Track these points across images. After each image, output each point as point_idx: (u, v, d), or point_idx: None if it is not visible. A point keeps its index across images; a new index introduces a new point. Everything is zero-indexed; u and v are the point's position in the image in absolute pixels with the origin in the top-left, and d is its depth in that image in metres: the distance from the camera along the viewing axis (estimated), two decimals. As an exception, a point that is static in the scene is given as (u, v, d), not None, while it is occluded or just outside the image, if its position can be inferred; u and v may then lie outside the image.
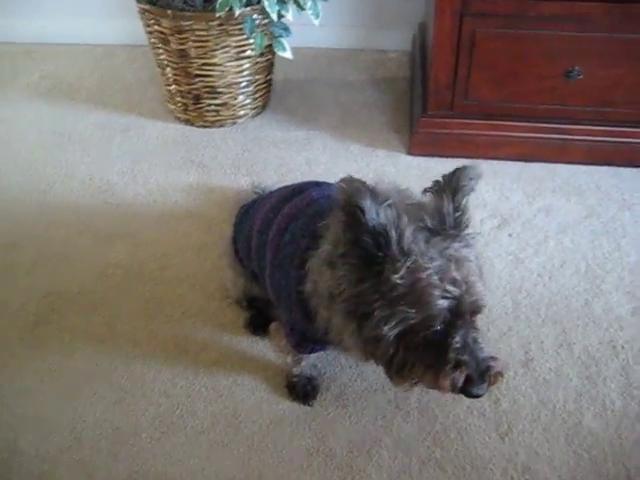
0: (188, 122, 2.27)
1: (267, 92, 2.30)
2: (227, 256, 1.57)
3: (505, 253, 1.78)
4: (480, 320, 1.04)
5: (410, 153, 2.12)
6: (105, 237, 1.87)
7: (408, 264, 0.93)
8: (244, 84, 2.16)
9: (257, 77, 2.18)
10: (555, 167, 2.08)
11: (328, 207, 1.16)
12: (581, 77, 1.93)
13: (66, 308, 1.66)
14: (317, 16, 1.88)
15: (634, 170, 2.06)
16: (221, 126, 2.26)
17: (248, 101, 2.22)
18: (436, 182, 1.04)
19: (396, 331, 0.95)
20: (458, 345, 0.96)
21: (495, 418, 1.38)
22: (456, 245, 0.98)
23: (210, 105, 2.18)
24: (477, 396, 1.00)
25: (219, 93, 2.15)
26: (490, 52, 1.93)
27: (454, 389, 0.99)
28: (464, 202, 1.01)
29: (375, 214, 0.91)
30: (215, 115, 2.22)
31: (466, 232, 1.03)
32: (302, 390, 1.44)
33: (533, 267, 1.74)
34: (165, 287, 1.71)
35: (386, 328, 0.96)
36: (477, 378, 0.98)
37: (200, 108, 2.19)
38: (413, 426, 1.37)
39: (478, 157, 2.08)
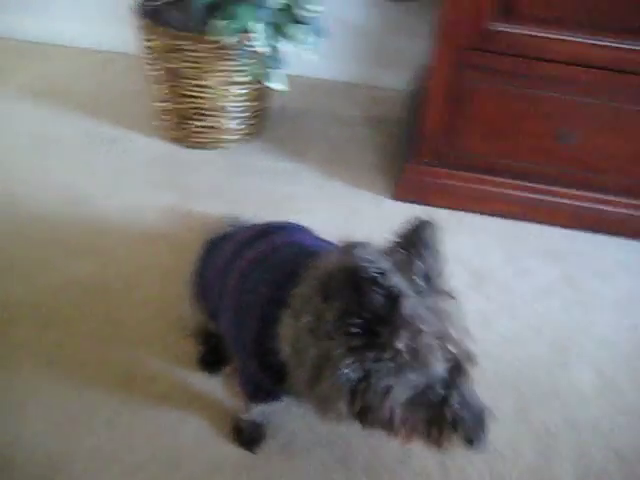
0: (175, 141, 2.24)
1: (258, 119, 2.27)
2: (190, 288, 1.53)
3: (476, 313, 1.75)
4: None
5: (394, 198, 2.09)
6: (72, 251, 1.83)
7: (410, 329, 0.89)
8: (235, 109, 2.13)
9: (249, 104, 2.15)
10: (539, 228, 2.06)
11: (292, 255, 1.13)
12: (575, 142, 1.91)
13: (19, 322, 1.61)
14: (316, 51, 1.85)
15: (619, 240, 2.03)
16: (207, 149, 2.22)
17: (237, 127, 2.20)
18: (397, 240, 1.00)
19: (403, 398, 0.91)
20: (457, 403, 0.93)
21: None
22: (443, 302, 0.96)
23: (197, 127, 2.15)
24: (478, 448, 0.95)
25: (207, 116, 2.12)
26: (485, 107, 1.91)
27: (454, 444, 0.96)
28: (437, 257, 0.98)
29: (392, 280, 0.86)
30: (202, 137, 2.19)
31: (445, 285, 1.00)
32: (249, 436, 1.40)
33: (502, 331, 1.71)
34: (126, 310, 1.66)
35: (392, 397, 0.91)
36: (477, 431, 0.94)
37: (186, 129, 2.16)
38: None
39: (462, 209, 2.07)
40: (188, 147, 2.24)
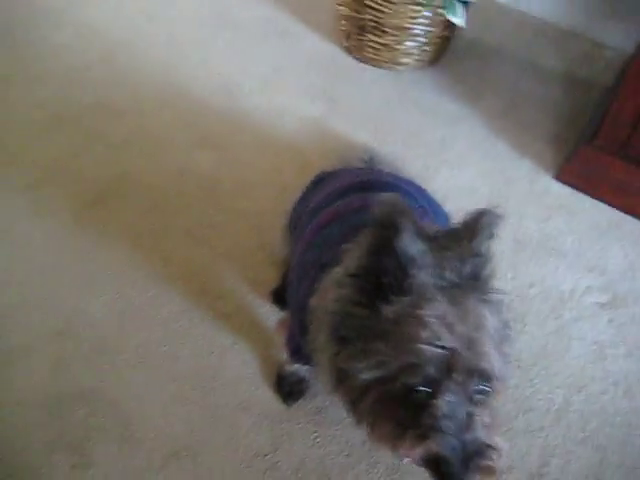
0: (347, 50, 2.10)
1: (439, 48, 2.05)
2: (286, 218, 1.46)
3: (591, 340, 1.50)
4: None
5: (556, 178, 1.81)
6: (200, 139, 1.82)
7: (407, 299, 0.78)
8: (416, 31, 1.93)
9: (432, 29, 1.94)
10: None
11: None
12: None
13: (127, 198, 1.65)
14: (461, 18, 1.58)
15: None
16: (376, 66, 2.05)
17: (414, 51, 2.00)
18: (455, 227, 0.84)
19: (368, 375, 0.80)
20: (441, 410, 0.76)
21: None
22: (471, 297, 0.79)
23: (373, 41, 1.98)
24: None
25: (386, 33, 1.94)
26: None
27: (425, 464, 0.79)
28: (484, 248, 0.81)
29: (409, 242, 0.76)
30: (374, 53, 2.02)
31: (487, 285, 0.83)
32: (288, 388, 1.35)
33: (613, 370, 1.46)
34: (226, 216, 1.64)
35: (359, 366, 0.80)
36: (458, 463, 0.76)
37: (361, 41, 2.01)
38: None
39: (631, 213, 1.74)
40: (358, 60, 2.09)
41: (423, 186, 1.30)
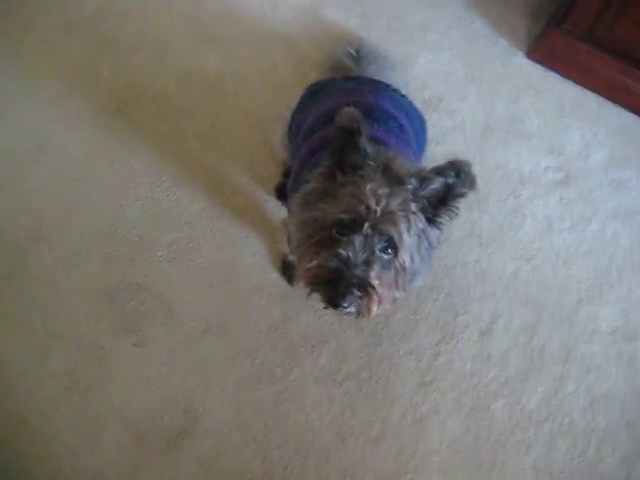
0: None
1: None
2: (285, 121, 1.69)
3: (542, 216, 1.82)
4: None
5: (528, 56, 2.00)
6: (206, 36, 2.00)
7: (357, 174, 1.12)
8: None
9: None
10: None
11: None
12: None
13: (144, 104, 1.88)
14: None
15: None
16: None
17: None
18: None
19: (314, 217, 1.14)
20: (345, 245, 1.08)
21: (425, 369, 1.63)
22: (406, 195, 1.10)
23: None
24: (338, 305, 1.09)
25: None
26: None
27: (319, 286, 1.13)
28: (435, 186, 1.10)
29: (367, 140, 1.10)
30: None
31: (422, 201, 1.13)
32: (291, 272, 1.70)
33: (557, 243, 1.80)
34: (231, 115, 1.87)
35: (311, 214, 1.15)
36: (341, 285, 1.08)
37: None
38: (359, 342, 1.64)
39: (593, 91, 1.97)
40: None
41: (406, 98, 1.54)
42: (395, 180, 1.10)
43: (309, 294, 1.18)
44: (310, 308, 1.67)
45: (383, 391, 1.60)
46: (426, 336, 1.66)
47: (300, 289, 1.64)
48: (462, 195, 1.10)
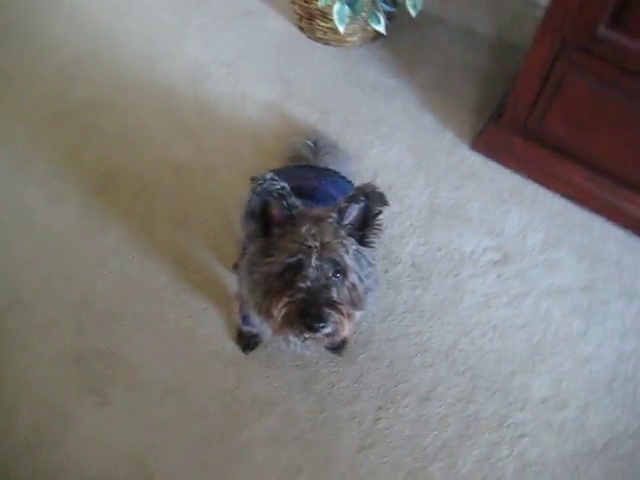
0: (300, 29, 2.43)
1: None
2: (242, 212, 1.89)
3: (480, 293, 1.99)
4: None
5: (471, 148, 2.22)
6: (175, 128, 2.24)
7: (288, 224, 1.31)
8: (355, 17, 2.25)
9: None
10: (595, 221, 2.12)
11: None
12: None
13: (121, 186, 2.11)
14: (415, 9, 1.92)
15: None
16: (327, 45, 2.41)
17: (357, 32, 2.33)
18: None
19: (267, 270, 1.31)
20: (303, 278, 1.25)
21: (366, 433, 1.76)
22: (333, 228, 1.30)
23: (320, 25, 2.33)
24: (317, 328, 1.24)
25: (329, 19, 2.27)
26: (574, 98, 1.92)
27: (291, 320, 1.27)
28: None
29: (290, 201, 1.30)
30: (323, 34, 2.37)
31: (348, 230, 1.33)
32: (246, 340, 1.86)
33: (494, 317, 1.95)
34: (199, 199, 2.09)
35: (262, 269, 1.32)
36: (314, 309, 1.24)
37: (311, 24, 2.35)
38: (305, 407, 1.78)
39: (530, 179, 2.17)
40: (311, 39, 2.44)
41: (352, 183, 1.74)
42: (320, 220, 1.30)
43: (286, 339, 1.38)
44: (262, 374, 1.82)
45: (325, 453, 1.73)
46: (368, 402, 1.80)
47: (252, 357, 1.82)
48: (377, 213, 1.32)
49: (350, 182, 1.81)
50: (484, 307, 1.96)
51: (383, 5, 2.00)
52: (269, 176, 1.28)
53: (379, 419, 1.79)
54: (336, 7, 1.89)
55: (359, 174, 2.12)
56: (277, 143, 2.17)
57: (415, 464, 1.74)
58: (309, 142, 2.06)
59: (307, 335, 1.30)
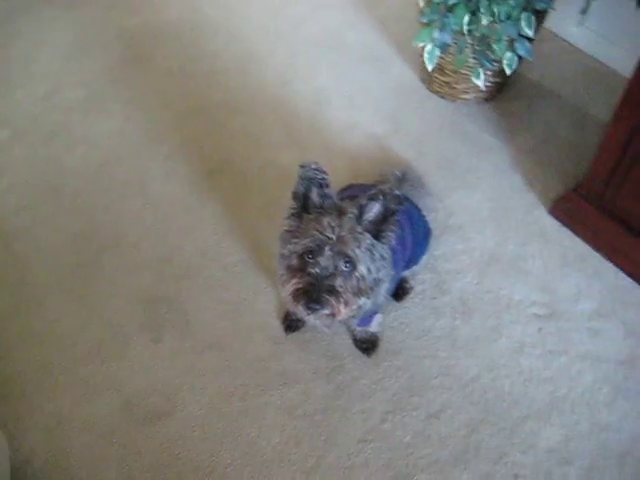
0: (422, 80, 2.75)
1: (493, 90, 2.62)
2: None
3: (517, 339, 2.11)
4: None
5: (549, 212, 2.39)
6: (290, 140, 2.61)
7: (317, 212, 1.57)
8: (469, 77, 2.53)
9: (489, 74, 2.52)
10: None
11: None
12: None
13: (228, 176, 2.51)
14: (510, 68, 2.18)
15: None
16: (442, 98, 2.70)
17: (470, 90, 2.60)
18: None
19: (291, 249, 1.57)
20: (314, 265, 1.52)
21: (369, 429, 1.94)
22: (352, 224, 1.54)
23: (437, 78, 2.63)
24: (315, 308, 1.50)
25: (446, 73, 2.57)
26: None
27: (297, 297, 1.54)
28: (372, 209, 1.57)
29: (326, 188, 1.58)
30: (439, 87, 2.66)
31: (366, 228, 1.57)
32: (289, 321, 2.13)
33: (523, 364, 2.07)
34: (288, 199, 2.42)
35: (289, 247, 1.59)
36: (316, 290, 1.49)
37: (430, 76, 2.65)
38: (323, 391, 2.01)
39: (598, 250, 2.29)
40: (429, 90, 2.75)
41: (419, 211, 2.05)
42: (342, 213, 1.55)
43: (293, 308, 1.62)
44: (294, 354, 2.08)
45: (327, 435, 1.94)
46: (380, 403, 1.99)
47: (291, 338, 2.08)
48: (394, 212, 1.54)
49: (418, 209, 2.06)
50: (516, 353, 2.09)
51: (485, 62, 2.25)
52: (314, 165, 1.56)
53: (385, 420, 1.96)
54: (427, 48, 2.18)
55: (435, 210, 2.36)
56: (370, 167, 2.46)
57: (405, 469, 1.89)
58: (397, 172, 2.33)
59: (307, 312, 1.56)
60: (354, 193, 1.92)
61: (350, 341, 2.09)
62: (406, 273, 2.08)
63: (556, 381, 2.04)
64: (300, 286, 1.54)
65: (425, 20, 2.17)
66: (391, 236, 1.60)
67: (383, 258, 1.61)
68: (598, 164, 2.17)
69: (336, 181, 2.33)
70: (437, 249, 2.25)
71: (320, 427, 1.95)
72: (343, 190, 2.03)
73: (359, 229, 1.55)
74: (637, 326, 2.14)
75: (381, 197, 1.54)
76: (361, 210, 1.56)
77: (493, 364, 2.06)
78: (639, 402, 2.01)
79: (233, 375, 2.03)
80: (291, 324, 2.12)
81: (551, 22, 2.63)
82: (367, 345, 2.06)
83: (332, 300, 1.52)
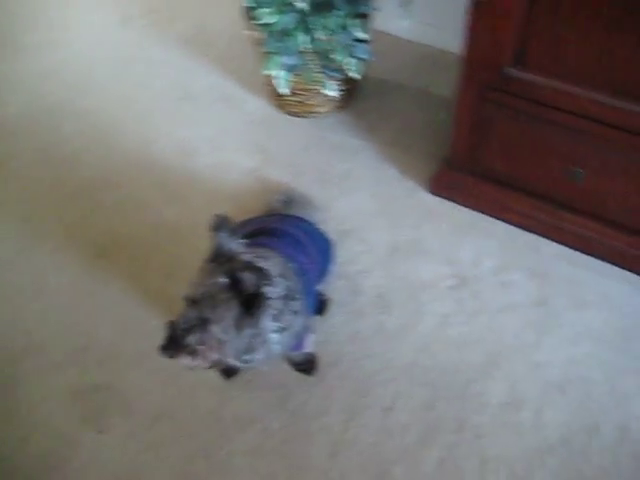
0: (275, 106, 2.89)
1: (345, 97, 2.80)
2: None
3: (439, 314, 2.27)
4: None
5: (429, 191, 2.58)
6: (170, 197, 2.65)
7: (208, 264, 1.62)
8: (319, 91, 2.69)
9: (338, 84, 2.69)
10: (545, 244, 2.42)
11: None
12: (583, 181, 2.22)
13: (120, 248, 2.52)
14: (356, 72, 2.35)
15: (614, 269, 2.34)
16: (299, 117, 2.84)
17: (324, 103, 2.76)
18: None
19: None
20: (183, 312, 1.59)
21: (335, 442, 2.02)
22: (220, 284, 1.55)
23: (289, 99, 2.77)
24: (160, 352, 1.60)
25: (296, 93, 2.72)
26: (503, 135, 2.26)
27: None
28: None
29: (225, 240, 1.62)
30: (294, 107, 2.81)
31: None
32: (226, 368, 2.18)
33: (451, 334, 2.23)
34: (188, 255, 2.39)
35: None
36: (167, 340, 1.60)
37: (282, 99, 2.79)
38: (281, 421, 2.07)
39: (486, 213, 2.49)
40: (285, 113, 2.89)
41: (313, 225, 2.14)
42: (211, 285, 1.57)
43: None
44: (242, 397, 2.12)
45: (299, 461, 1.99)
46: (336, 415, 2.07)
47: (233, 382, 2.13)
48: (260, 290, 1.53)
49: (311, 224, 2.17)
50: (442, 326, 2.24)
51: (332, 73, 2.42)
52: (218, 219, 1.62)
53: (346, 429, 2.05)
54: (278, 74, 2.32)
55: (327, 222, 2.48)
56: (255, 201, 2.56)
57: (379, 467, 1.98)
58: (282, 198, 2.44)
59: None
60: (250, 229, 2.02)
61: (289, 367, 2.15)
62: (321, 287, 2.18)
63: (485, 339, 2.20)
64: (166, 327, 1.63)
65: (268, 49, 2.30)
66: (265, 313, 1.59)
67: (261, 327, 1.61)
68: (457, 135, 2.37)
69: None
70: (341, 256, 2.37)
71: (289, 456, 2.00)
72: (242, 226, 2.11)
73: (225, 295, 1.55)
74: (538, 267, 2.35)
75: (246, 271, 1.53)
76: (233, 279, 1.54)
77: (425, 344, 2.20)
78: (561, 333, 2.20)
79: (190, 437, 2.06)
80: (227, 370, 2.17)
81: (379, 22, 2.84)
82: (307, 366, 2.14)
83: (177, 353, 1.61)
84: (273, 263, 1.68)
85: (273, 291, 1.58)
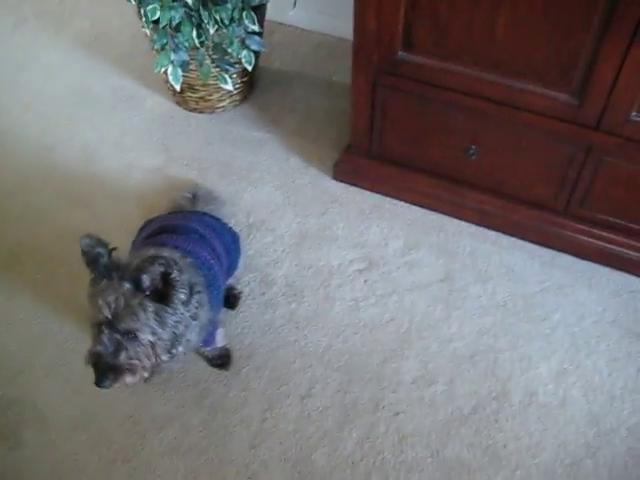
0: (177, 103, 2.87)
1: (244, 90, 2.81)
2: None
3: (350, 298, 2.31)
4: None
5: (333, 178, 2.61)
6: (75, 203, 2.60)
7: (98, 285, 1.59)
8: (219, 86, 2.68)
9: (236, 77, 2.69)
10: (448, 221, 2.49)
11: None
12: (478, 157, 2.29)
13: (25, 259, 2.45)
14: (250, 64, 2.36)
15: (514, 241, 2.43)
16: (201, 113, 2.83)
17: (225, 97, 2.76)
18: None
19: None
20: (97, 343, 1.55)
21: (254, 433, 2.03)
22: (127, 295, 1.54)
23: (190, 96, 2.75)
24: (100, 386, 1.53)
25: (197, 90, 2.71)
26: (399, 118, 2.32)
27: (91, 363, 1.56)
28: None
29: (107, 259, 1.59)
30: (195, 104, 2.79)
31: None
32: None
33: (364, 317, 2.27)
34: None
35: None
36: (99, 372, 1.53)
37: (183, 96, 2.77)
38: (198, 418, 2.07)
39: (388, 195, 2.54)
40: (187, 110, 2.87)
41: (219, 220, 2.12)
42: (116, 290, 1.55)
43: None
44: (158, 398, 2.11)
45: (219, 456, 2.00)
46: (254, 407, 2.09)
47: (149, 384, 2.12)
48: (168, 274, 1.54)
49: (217, 219, 2.17)
50: (353, 310, 2.28)
51: (227, 67, 2.42)
52: (88, 241, 1.59)
53: (265, 420, 2.06)
54: (169, 70, 2.31)
55: (234, 215, 2.49)
56: (160, 199, 2.53)
57: (300, 454, 2.00)
58: (188, 194, 2.43)
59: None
60: (154, 228, 2.01)
61: (205, 363, 2.15)
62: (231, 281, 2.19)
63: (396, 319, 2.25)
64: (90, 361, 1.58)
65: (157, 46, 2.28)
66: (178, 297, 1.60)
67: (180, 312, 1.63)
68: (355, 121, 2.42)
69: (133, 225, 2.40)
70: (250, 249, 2.39)
71: (209, 452, 2.01)
72: (142, 229, 2.09)
73: (137, 300, 1.56)
74: (442, 245, 2.42)
75: (148, 266, 1.54)
76: (137, 282, 1.55)
77: (338, 328, 2.24)
78: (468, 307, 2.27)
79: (109, 442, 2.04)
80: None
81: (272, 13, 2.84)
82: (221, 360, 2.15)
83: (117, 377, 1.57)
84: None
85: (179, 275, 1.57)
